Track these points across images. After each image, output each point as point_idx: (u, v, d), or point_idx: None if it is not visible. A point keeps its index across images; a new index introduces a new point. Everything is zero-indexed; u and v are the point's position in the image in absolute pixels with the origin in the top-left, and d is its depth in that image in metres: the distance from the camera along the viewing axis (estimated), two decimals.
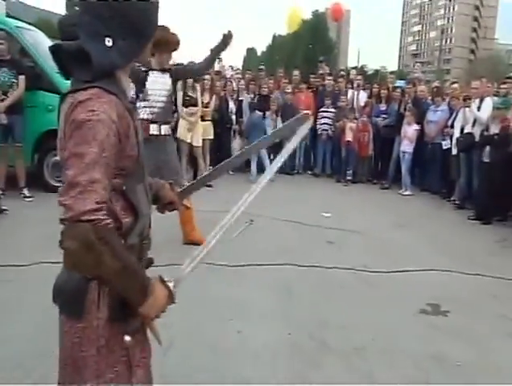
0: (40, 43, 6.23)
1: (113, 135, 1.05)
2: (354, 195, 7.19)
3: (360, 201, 6.79)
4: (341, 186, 7.67)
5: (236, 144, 7.69)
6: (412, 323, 3.06)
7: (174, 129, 6.87)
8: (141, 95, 3.82)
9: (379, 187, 7.65)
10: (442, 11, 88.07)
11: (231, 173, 7.80)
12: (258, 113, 7.44)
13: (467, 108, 6.11)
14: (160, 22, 1.27)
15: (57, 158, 5.77)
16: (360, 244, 4.71)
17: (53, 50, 1.17)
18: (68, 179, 1.00)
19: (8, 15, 7.01)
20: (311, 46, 59.90)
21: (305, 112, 1.57)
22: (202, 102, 6.57)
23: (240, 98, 7.49)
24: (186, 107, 6.40)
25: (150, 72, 3.84)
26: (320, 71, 8.60)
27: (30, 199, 5.42)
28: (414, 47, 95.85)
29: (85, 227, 0.97)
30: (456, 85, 7.43)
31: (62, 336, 1.20)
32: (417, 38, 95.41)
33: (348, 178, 7.76)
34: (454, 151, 6.44)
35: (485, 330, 3.00)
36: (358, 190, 7.47)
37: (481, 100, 5.98)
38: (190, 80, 6.33)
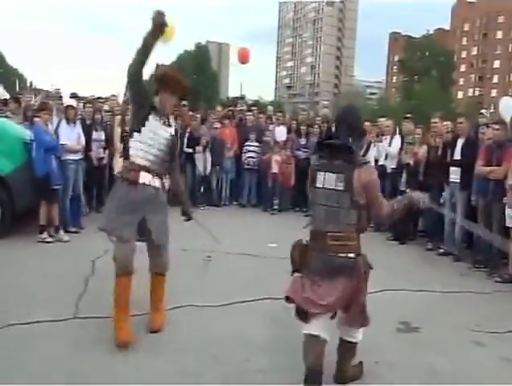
0: None
1: None
2: (284, 223, 7.66)
3: (291, 229, 7.19)
4: (269, 215, 8.12)
5: None
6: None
7: (110, 166, 6.69)
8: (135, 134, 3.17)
9: (304, 215, 8.26)
10: (310, 50, 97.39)
11: None
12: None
13: (380, 144, 7.08)
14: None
15: None
16: None
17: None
18: (383, 208, 2.59)
19: None
20: (196, 76, 61.07)
21: None
22: None
23: None
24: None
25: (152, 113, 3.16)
26: (239, 107, 9.10)
27: None
28: (287, 80, 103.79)
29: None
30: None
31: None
32: (290, 72, 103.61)
33: (275, 207, 8.25)
34: None
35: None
36: (285, 219, 7.97)
37: (392, 137, 7.01)
38: (129, 117, 6.26)
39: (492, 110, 7.31)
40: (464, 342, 3.52)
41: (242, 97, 10.19)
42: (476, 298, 4.58)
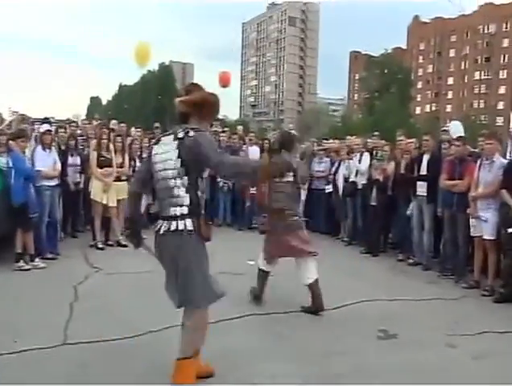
0: None
1: None
2: (260, 240, 7.73)
3: None
4: (244, 234, 8.26)
5: (143, 201, 7.70)
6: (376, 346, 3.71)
7: (86, 188, 6.65)
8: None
9: None
10: (274, 69, 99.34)
11: None
12: None
13: (350, 161, 7.40)
14: None
15: None
16: (299, 285, 5.26)
17: None
18: None
19: None
20: (160, 97, 60.86)
21: None
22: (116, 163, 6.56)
23: (143, 156, 7.60)
24: (101, 168, 6.32)
25: None
26: (214, 128, 9.23)
27: None
28: (252, 99, 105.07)
29: None
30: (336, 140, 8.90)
31: None
32: (254, 91, 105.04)
33: (254, 225, 8.41)
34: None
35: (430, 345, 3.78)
36: (261, 236, 8.10)
37: (361, 154, 7.34)
38: (104, 141, 6.33)
39: (448, 125, 7.77)
40: (439, 344, 3.77)
41: (218, 119, 10.36)
42: (445, 304, 4.88)
